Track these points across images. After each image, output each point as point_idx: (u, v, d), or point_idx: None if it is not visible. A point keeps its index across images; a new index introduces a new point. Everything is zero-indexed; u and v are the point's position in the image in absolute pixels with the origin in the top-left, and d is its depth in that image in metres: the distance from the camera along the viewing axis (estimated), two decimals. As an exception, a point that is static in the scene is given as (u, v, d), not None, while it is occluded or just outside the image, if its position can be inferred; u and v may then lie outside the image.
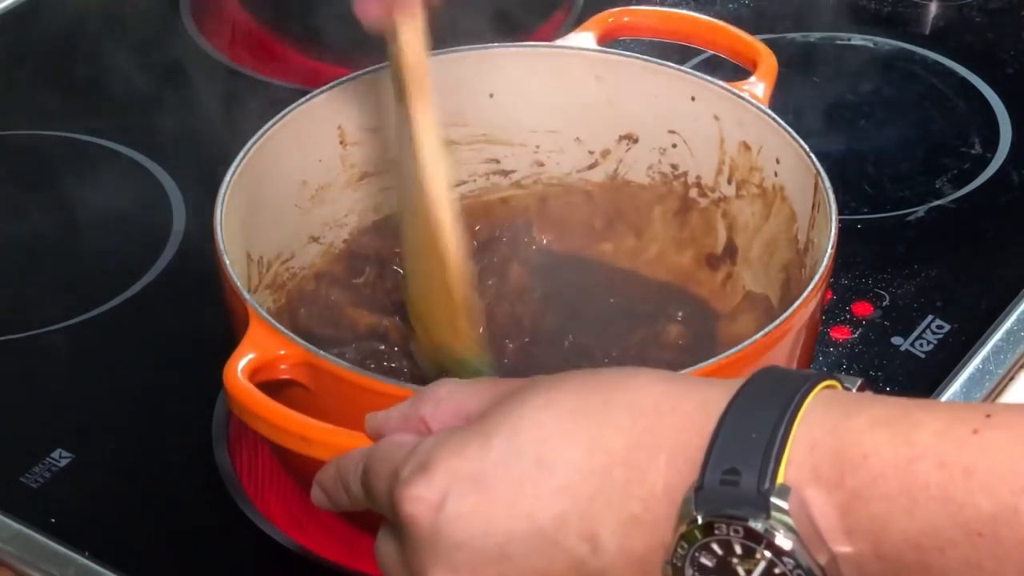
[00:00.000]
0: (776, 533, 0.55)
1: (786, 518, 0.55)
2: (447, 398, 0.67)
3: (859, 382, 0.61)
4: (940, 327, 1.04)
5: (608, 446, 0.59)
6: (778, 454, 0.56)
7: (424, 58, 0.86)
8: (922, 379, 1.00)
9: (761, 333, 0.81)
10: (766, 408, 0.57)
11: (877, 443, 0.55)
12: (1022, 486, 0.52)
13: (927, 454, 0.54)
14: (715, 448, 0.57)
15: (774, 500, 0.55)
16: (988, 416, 0.55)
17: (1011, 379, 1.01)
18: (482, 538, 0.60)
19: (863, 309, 1.05)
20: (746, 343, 0.80)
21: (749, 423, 0.57)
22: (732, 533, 0.56)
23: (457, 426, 0.64)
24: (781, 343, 0.82)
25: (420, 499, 0.61)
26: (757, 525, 0.55)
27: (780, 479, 0.55)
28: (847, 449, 0.55)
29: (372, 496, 0.66)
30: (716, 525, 0.56)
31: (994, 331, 1.03)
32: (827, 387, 0.59)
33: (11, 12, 1.36)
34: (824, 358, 1.01)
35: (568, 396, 0.61)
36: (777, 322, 0.81)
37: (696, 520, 0.56)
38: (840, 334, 1.03)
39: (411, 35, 0.85)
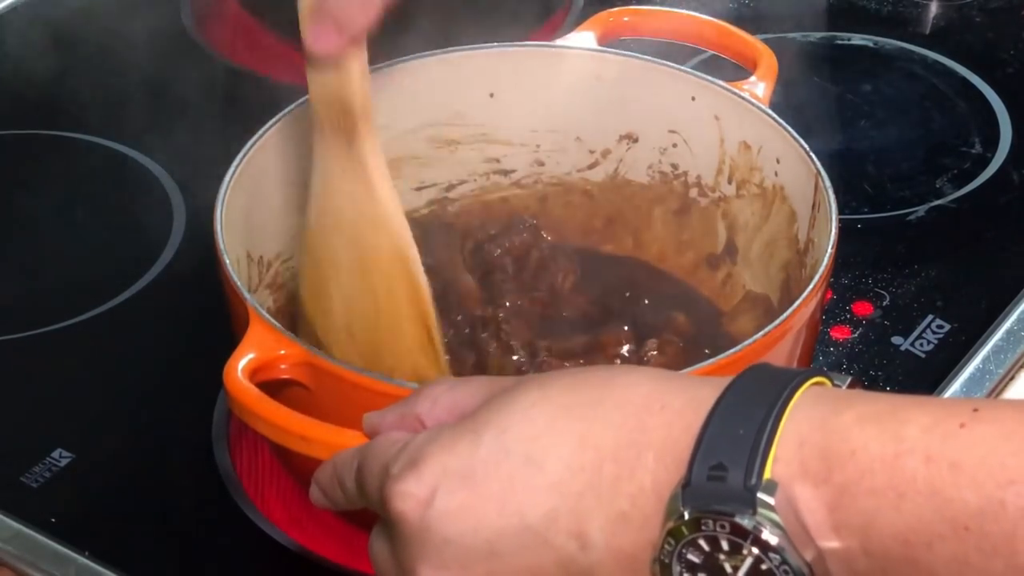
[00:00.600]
0: (763, 529, 0.55)
1: (773, 514, 0.55)
2: (443, 396, 0.67)
3: (849, 379, 0.61)
4: (940, 327, 1.04)
5: (597, 443, 0.59)
6: (765, 450, 0.56)
7: (368, 87, 0.84)
8: (922, 379, 1.00)
9: (761, 333, 0.80)
10: (754, 405, 0.57)
11: (865, 438, 0.55)
12: (1009, 479, 0.52)
13: (914, 449, 0.54)
14: (702, 444, 0.57)
15: (761, 496, 0.55)
16: (975, 411, 0.54)
17: (1011, 379, 1.01)
18: (471, 535, 0.60)
19: (863, 309, 1.05)
20: (746, 343, 0.80)
21: (737, 420, 0.57)
22: (719, 529, 0.56)
23: (450, 423, 0.64)
24: (781, 343, 0.82)
25: (409, 495, 0.61)
26: (744, 521, 0.55)
27: (767, 475, 0.55)
28: (835, 445, 0.55)
29: (365, 493, 0.66)
30: (703, 521, 0.56)
31: (994, 331, 1.03)
32: (816, 384, 0.59)
33: (11, 11, 1.37)
34: (824, 358, 1.01)
35: (559, 393, 0.61)
36: (777, 322, 0.81)
37: (683, 516, 0.56)
38: (840, 334, 1.03)
39: (360, 65, 0.83)
